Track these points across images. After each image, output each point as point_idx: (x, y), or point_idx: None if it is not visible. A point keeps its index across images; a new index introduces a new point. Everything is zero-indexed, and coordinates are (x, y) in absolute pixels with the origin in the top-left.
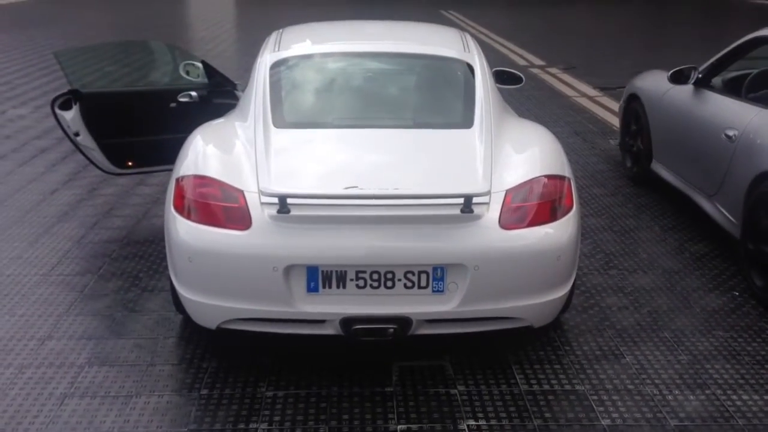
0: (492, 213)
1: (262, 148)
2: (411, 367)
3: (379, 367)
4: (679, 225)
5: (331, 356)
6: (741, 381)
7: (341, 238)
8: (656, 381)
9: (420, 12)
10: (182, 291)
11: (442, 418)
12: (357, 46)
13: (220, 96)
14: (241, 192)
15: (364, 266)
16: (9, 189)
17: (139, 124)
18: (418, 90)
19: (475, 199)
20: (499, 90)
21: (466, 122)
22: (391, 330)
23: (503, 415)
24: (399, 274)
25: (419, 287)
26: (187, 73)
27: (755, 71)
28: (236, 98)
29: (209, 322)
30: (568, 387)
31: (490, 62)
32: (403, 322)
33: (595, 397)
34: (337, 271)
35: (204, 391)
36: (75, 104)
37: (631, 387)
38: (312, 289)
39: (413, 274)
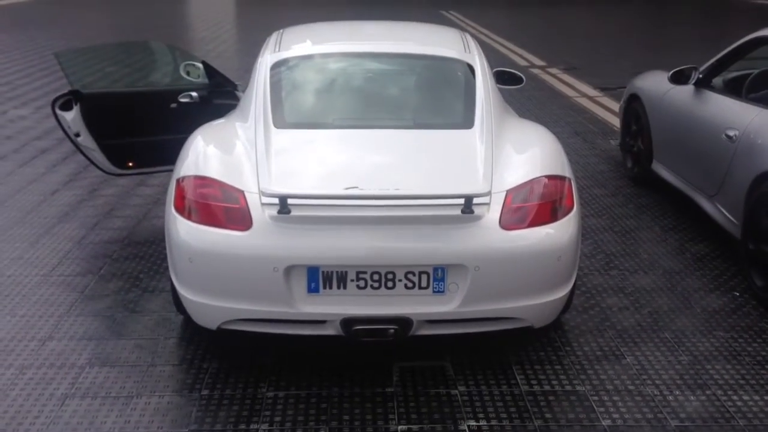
0: (492, 213)
1: (263, 148)
2: (411, 367)
3: (380, 368)
4: (680, 225)
5: (331, 357)
6: (741, 381)
7: (342, 239)
8: (657, 381)
9: (420, 12)
10: (183, 291)
11: (443, 418)
12: (357, 47)
13: (220, 96)
14: (242, 192)
15: (364, 267)
16: (10, 190)
17: (139, 124)
18: (419, 90)
19: (475, 200)
20: (500, 90)
21: (467, 123)
22: (392, 330)
23: (504, 415)
24: (399, 275)
25: (420, 288)
26: (188, 73)
27: (756, 71)
28: (237, 99)
29: (210, 322)
30: (568, 387)
31: (491, 62)
32: (404, 322)
33: (596, 398)
34: (337, 272)
35: (205, 392)
36: (76, 105)
37: (631, 387)
38: (312, 289)
39: (414, 274)
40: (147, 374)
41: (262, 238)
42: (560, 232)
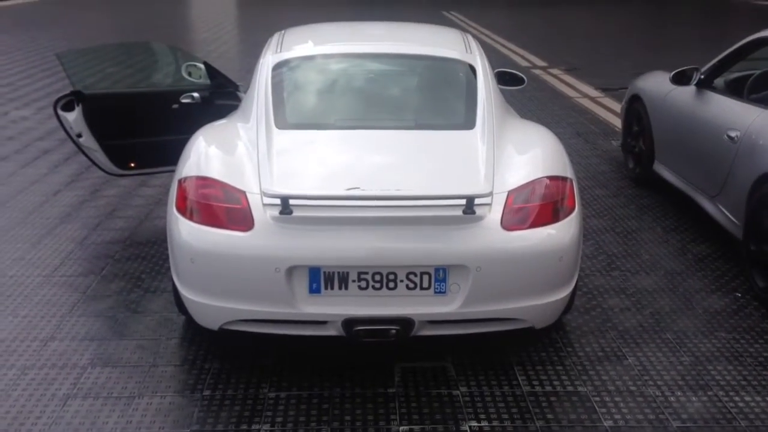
0: (494, 214)
1: (264, 149)
2: (413, 368)
3: (382, 369)
4: (682, 226)
5: (333, 357)
6: (743, 382)
7: (343, 240)
8: (658, 382)
9: (421, 13)
10: (184, 292)
11: (445, 419)
12: (359, 48)
13: (222, 97)
14: (244, 193)
15: (366, 267)
16: (12, 190)
17: (141, 125)
18: (420, 91)
19: (477, 200)
20: (501, 91)
21: (468, 123)
22: (394, 331)
23: (505, 416)
24: (401, 275)
25: (421, 288)
26: (189, 74)
27: (757, 72)
28: (238, 99)
29: (211, 323)
30: (570, 388)
31: (492, 63)
32: (406, 323)
33: (598, 399)
34: (339, 272)
35: (206, 392)
36: (77, 105)
37: (633, 388)
38: (314, 290)
39: (415, 275)
40: (149, 375)
41: (263, 239)
42: (562, 232)
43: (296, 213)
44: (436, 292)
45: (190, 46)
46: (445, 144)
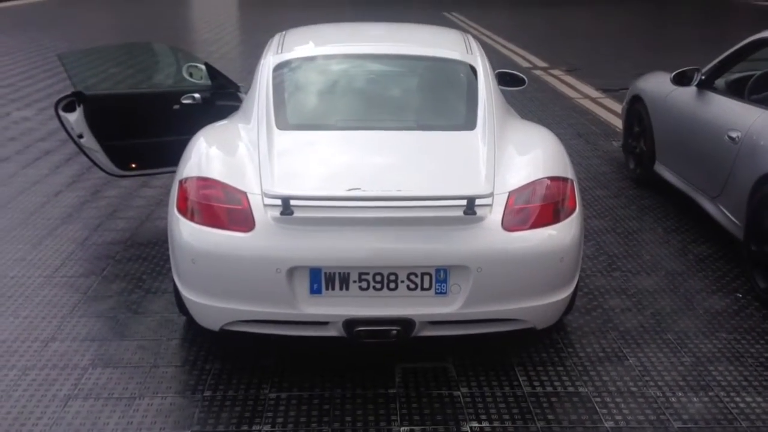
0: (495, 215)
1: (265, 150)
2: (414, 368)
3: (382, 369)
4: (682, 227)
5: (334, 358)
6: (744, 383)
7: (344, 240)
8: (659, 383)
9: (422, 13)
10: (185, 293)
11: (445, 420)
12: (360, 48)
13: (223, 98)
14: (245, 194)
15: (367, 268)
16: (13, 191)
17: (142, 126)
18: (421, 92)
19: (477, 201)
20: (502, 92)
21: (469, 124)
22: (394, 332)
23: (506, 416)
24: (402, 276)
25: (422, 289)
26: (191, 75)
27: (758, 73)
28: (239, 100)
29: (212, 323)
30: (571, 389)
31: (493, 64)
32: (406, 323)
33: (599, 399)
34: (340, 273)
35: (207, 393)
36: (79, 106)
37: (634, 389)
38: (315, 290)
39: (416, 275)
40: (150, 375)
41: (264, 240)
42: (563, 233)
43: (297, 214)
44: (436, 293)
45: (191, 46)
46: (446, 145)
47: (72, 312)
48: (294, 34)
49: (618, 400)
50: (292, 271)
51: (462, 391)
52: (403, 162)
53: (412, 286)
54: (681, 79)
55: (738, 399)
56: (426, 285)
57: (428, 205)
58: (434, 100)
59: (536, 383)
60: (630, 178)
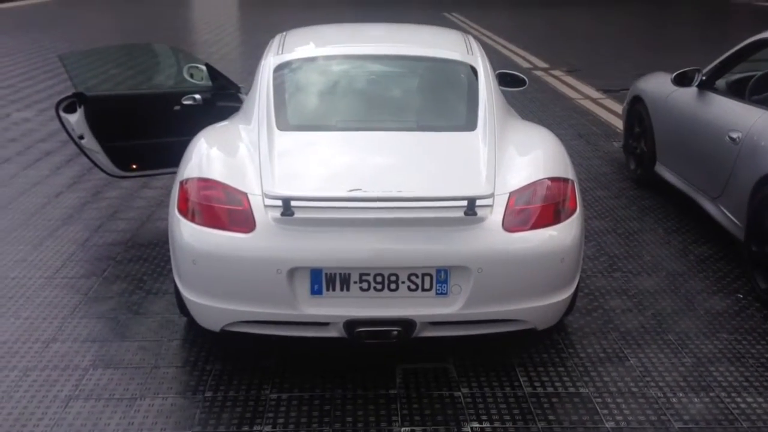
0: (495, 215)
1: (266, 150)
2: (415, 369)
3: (383, 370)
4: (683, 227)
5: (334, 359)
6: (745, 384)
7: (345, 241)
8: (660, 383)
9: (422, 14)
10: (186, 293)
11: (446, 420)
12: (360, 49)
13: (223, 99)
14: (245, 195)
15: (367, 269)
16: (13, 192)
17: (143, 127)
18: (422, 92)
19: (478, 202)
20: (503, 92)
21: (470, 125)
22: (395, 332)
23: (507, 417)
24: (403, 277)
25: (423, 290)
26: (191, 76)
27: (759, 73)
28: (240, 101)
29: (213, 324)
30: (572, 389)
31: (494, 64)
32: (407, 324)
33: (599, 400)
34: (340, 274)
35: (208, 394)
36: (79, 107)
37: (635, 389)
38: (316, 291)
39: (417, 276)
40: (150, 376)
41: (265, 240)
42: (563, 234)
43: (298, 214)
44: (437, 294)
45: (191, 47)
46: (446, 145)
47: (73, 313)
48: (294, 35)
49: (619, 400)
50: (292, 272)
51: (463, 392)
52: (404, 163)
53: (412, 286)
54: (682, 80)
55: (739, 399)
56: (427, 286)
57: (429, 205)
58: (435, 100)
59: (537, 384)
60: (631, 178)
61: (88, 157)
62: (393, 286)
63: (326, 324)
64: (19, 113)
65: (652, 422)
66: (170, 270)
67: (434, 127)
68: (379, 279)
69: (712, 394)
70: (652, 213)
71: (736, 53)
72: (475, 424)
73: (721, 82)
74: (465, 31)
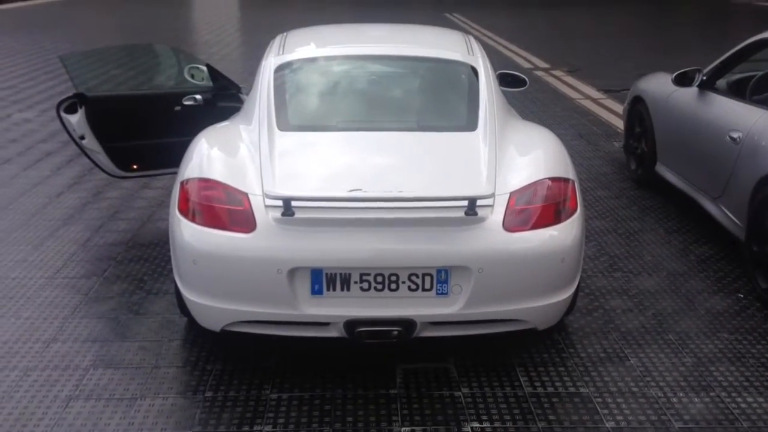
0: (496, 215)
1: (267, 151)
2: (415, 369)
3: (383, 370)
4: (684, 227)
5: (335, 359)
6: (746, 383)
7: (345, 241)
8: (661, 383)
9: (423, 15)
10: (187, 293)
11: (447, 420)
12: (361, 49)
13: (224, 99)
14: (246, 195)
15: (368, 269)
16: (14, 192)
17: (144, 127)
18: (422, 93)
19: (479, 202)
20: (503, 93)
21: (470, 125)
22: (396, 332)
23: (507, 417)
24: (403, 277)
25: (423, 290)
26: (192, 76)
27: (759, 73)
28: (241, 101)
29: (214, 324)
30: (572, 389)
31: (494, 65)
32: (407, 324)
33: (600, 400)
34: (341, 274)
35: (208, 394)
36: (80, 108)
37: (635, 389)
38: (316, 291)
39: (417, 276)
40: (151, 376)
41: (265, 240)
42: (564, 234)
43: (298, 215)
44: (438, 294)
45: (192, 48)
46: (447, 145)
47: (73, 313)
48: (295, 36)
49: (619, 400)
50: (293, 272)
51: (463, 392)
52: (405, 163)
53: (413, 286)
54: (682, 80)
55: (739, 399)
56: (427, 286)
57: (429, 205)
58: (435, 101)
59: (537, 384)
60: (631, 178)
61: (89, 158)
62: (393, 286)
63: (327, 324)
64: (21, 114)
65: (652, 422)
66: (171, 270)
67: (435, 128)
68: (379, 279)
69: (712, 394)
70: (652, 213)
71: (736, 53)
72: (476, 424)
73: (721, 82)
74: (466, 32)
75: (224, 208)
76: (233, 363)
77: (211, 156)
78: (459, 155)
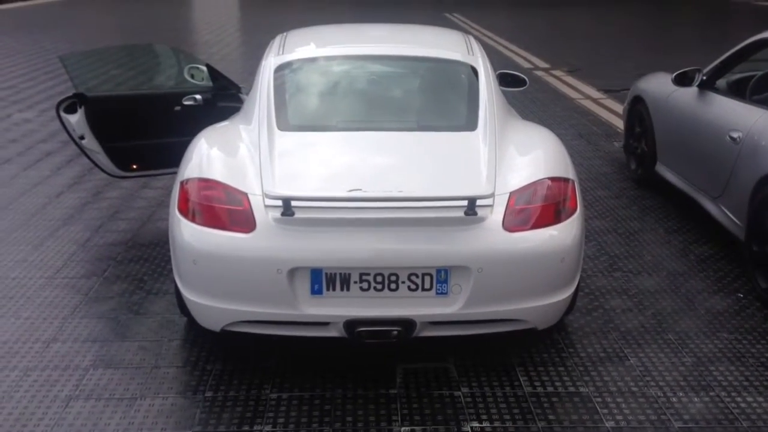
0: (496, 215)
1: (266, 151)
2: (415, 369)
3: (383, 370)
4: (684, 227)
5: (335, 358)
6: (745, 383)
7: (345, 241)
8: (660, 383)
9: (423, 15)
10: (187, 293)
11: (446, 420)
12: (361, 49)
13: (224, 99)
14: (246, 195)
15: (368, 269)
16: (14, 192)
17: (143, 127)
18: (422, 93)
19: (478, 202)
20: (503, 92)
21: (470, 125)
22: (395, 332)
23: (507, 417)
24: (403, 277)
25: (423, 289)
26: (192, 76)
27: (759, 73)
28: (240, 101)
29: (213, 324)
30: (572, 389)
31: (494, 65)
32: (407, 324)
33: (600, 399)
34: (341, 274)
35: (208, 394)
36: (80, 108)
37: (635, 389)
38: (316, 291)
39: (417, 276)
40: (151, 376)
41: (265, 240)
42: (564, 233)
43: (298, 215)
44: (437, 293)
45: (192, 48)
46: (447, 145)
47: (73, 313)
48: (295, 36)
49: (619, 400)
50: (293, 272)
51: (463, 392)
52: (404, 163)
53: (413, 286)
54: (682, 80)
55: (739, 399)
56: (427, 285)
57: (429, 205)
58: (435, 101)
59: (537, 383)
60: (631, 178)
61: (89, 158)
62: (393, 285)
63: (326, 324)
64: (20, 114)
65: (652, 422)
66: (170, 270)
67: (435, 127)
68: (379, 279)
69: (712, 394)
70: (652, 213)
71: (736, 53)
72: (475, 424)
73: (721, 82)
74: (466, 32)
75: (224, 208)
76: (233, 363)
77: (211, 156)
78: (459, 155)
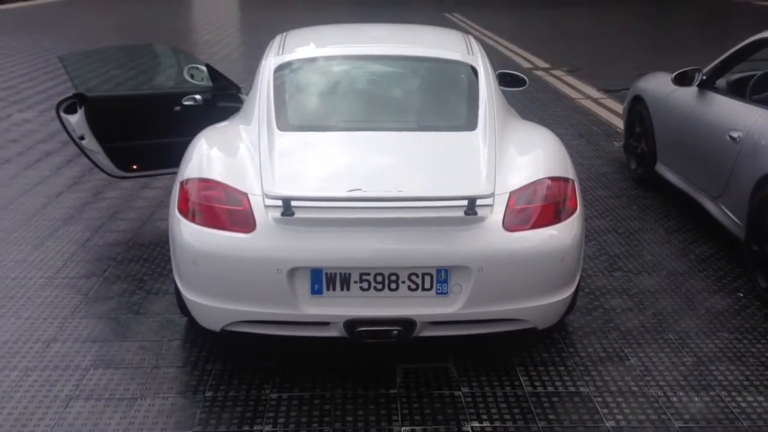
0: (496, 215)
1: (266, 151)
2: (415, 369)
3: (383, 370)
4: (684, 227)
5: (335, 358)
6: (746, 383)
7: (345, 241)
8: (661, 383)
9: (423, 15)
10: (187, 293)
11: (447, 420)
12: (361, 49)
13: (224, 99)
14: (245, 195)
15: (368, 268)
16: (14, 192)
17: (143, 127)
18: (422, 92)
19: (478, 201)
20: (503, 92)
21: (470, 125)
22: (395, 332)
23: (507, 416)
24: (403, 276)
25: (423, 289)
26: (192, 76)
27: (759, 73)
28: (240, 101)
29: (213, 324)
30: (572, 389)
31: (494, 65)
32: (407, 324)
33: (600, 399)
34: (341, 274)
35: (208, 394)
36: (80, 108)
37: (635, 389)
38: (316, 291)
39: (417, 276)
40: (151, 376)
41: (265, 240)
42: (564, 233)
43: (298, 214)
44: (437, 293)
45: (192, 48)
46: (446, 145)
47: (73, 313)
48: (295, 36)
49: (619, 399)
50: (293, 272)
51: (463, 391)
52: (404, 163)
53: (413, 286)
54: (682, 80)
55: (739, 398)
56: (427, 285)
57: (429, 205)
58: (435, 100)
59: (537, 383)
60: (631, 178)
61: (89, 158)
62: (393, 285)
63: (326, 324)
64: (20, 114)
65: (652, 421)
66: (170, 270)
67: (435, 127)
68: (379, 279)
69: (712, 393)
70: (652, 212)
71: (736, 53)
72: (476, 424)
73: (721, 82)
74: (466, 32)
75: (224, 208)
76: (233, 363)
77: (211, 156)
78: (459, 155)
